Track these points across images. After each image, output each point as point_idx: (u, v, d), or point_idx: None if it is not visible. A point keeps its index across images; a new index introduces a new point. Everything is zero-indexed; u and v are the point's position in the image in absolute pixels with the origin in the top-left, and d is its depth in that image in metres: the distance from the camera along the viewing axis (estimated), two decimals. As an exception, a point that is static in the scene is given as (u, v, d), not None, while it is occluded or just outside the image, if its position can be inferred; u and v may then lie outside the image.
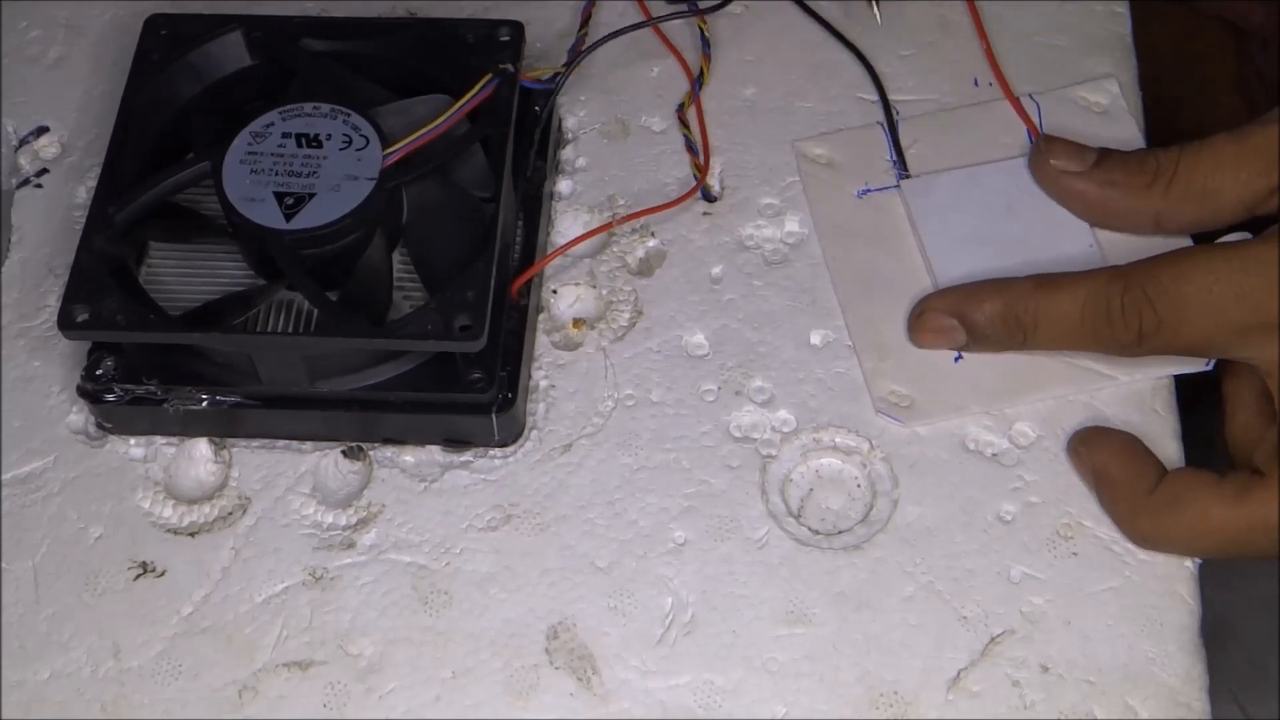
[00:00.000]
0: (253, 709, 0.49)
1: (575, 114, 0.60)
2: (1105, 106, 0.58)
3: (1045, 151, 0.55)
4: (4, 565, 0.51)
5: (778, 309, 0.56)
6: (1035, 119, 0.58)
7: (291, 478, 0.53)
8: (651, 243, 0.57)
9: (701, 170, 0.58)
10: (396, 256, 0.54)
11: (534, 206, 0.56)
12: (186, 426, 0.53)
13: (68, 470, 0.53)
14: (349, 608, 0.50)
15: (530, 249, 0.56)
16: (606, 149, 0.60)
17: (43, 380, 0.55)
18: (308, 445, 0.53)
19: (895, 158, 0.58)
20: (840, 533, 0.52)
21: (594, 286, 0.56)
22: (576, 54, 0.60)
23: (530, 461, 0.53)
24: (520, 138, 0.56)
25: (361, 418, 0.53)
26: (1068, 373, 0.53)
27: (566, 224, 0.58)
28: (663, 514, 0.52)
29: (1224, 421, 0.52)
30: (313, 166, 0.52)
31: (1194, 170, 0.52)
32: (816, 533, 0.51)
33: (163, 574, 0.51)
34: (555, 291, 0.56)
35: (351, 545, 0.51)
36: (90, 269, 0.51)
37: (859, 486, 0.52)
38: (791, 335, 0.55)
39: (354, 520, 0.52)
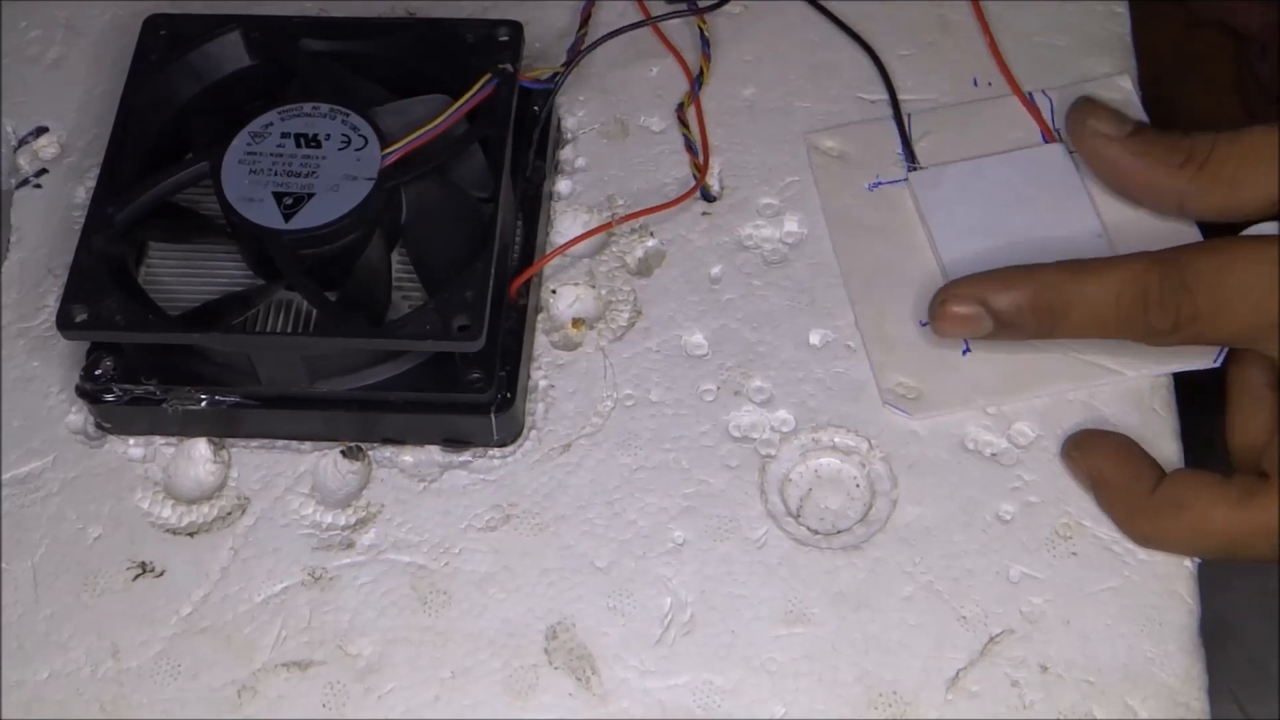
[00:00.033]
0: (252, 709, 0.49)
1: (574, 114, 0.60)
2: (1118, 103, 0.58)
3: (1084, 111, 0.55)
4: (3, 565, 0.51)
5: (777, 309, 0.56)
6: (1047, 115, 0.58)
7: (290, 478, 0.53)
8: (651, 243, 0.57)
9: (701, 170, 0.58)
10: (395, 256, 0.54)
11: (533, 206, 0.56)
12: (185, 426, 0.53)
13: (67, 470, 0.53)
14: (348, 608, 0.50)
15: (529, 249, 0.56)
16: (606, 149, 0.60)
17: (42, 380, 0.55)
18: (307, 445, 0.53)
19: (904, 150, 0.58)
20: (839, 532, 0.51)
21: (593, 286, 0.56)
22: (576, 54, 0.60)
23: (529, 461, 0.53)
24: (519, 138, 0.56)
25: (360, 418, 0.53)
26: (1074, 367, 0.53)
27: (566, 224, 0.58)
28: (662, 514, 0.52)
29: (1226, 420, 0.51)
30: (312, 166, 0.52)
31: (1227, 158, 0.52)
32: (815, 532, 0.51)
33: (162, 574, 0.51)
34: (554, 291, 0.56)
35: (350, 545, 0.51)
36: (89, 269, 0.51)
37: (858, 486, 0.52)
38: (791, 335, 0.55)
39: (353, 520, 0.52)
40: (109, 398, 0.52)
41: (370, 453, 0.53)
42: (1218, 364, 0.52)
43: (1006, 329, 0.52)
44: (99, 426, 0.54)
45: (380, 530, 0.52)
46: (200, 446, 0.53)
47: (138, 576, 0.51)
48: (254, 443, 0.53)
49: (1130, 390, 0.53)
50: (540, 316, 0.56)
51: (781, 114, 0.60)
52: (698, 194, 0.58)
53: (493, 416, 0.52)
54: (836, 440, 0.53)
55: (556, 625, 0.50)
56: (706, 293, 0.56)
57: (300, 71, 0.55)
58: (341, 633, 0.50)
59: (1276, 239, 0.49)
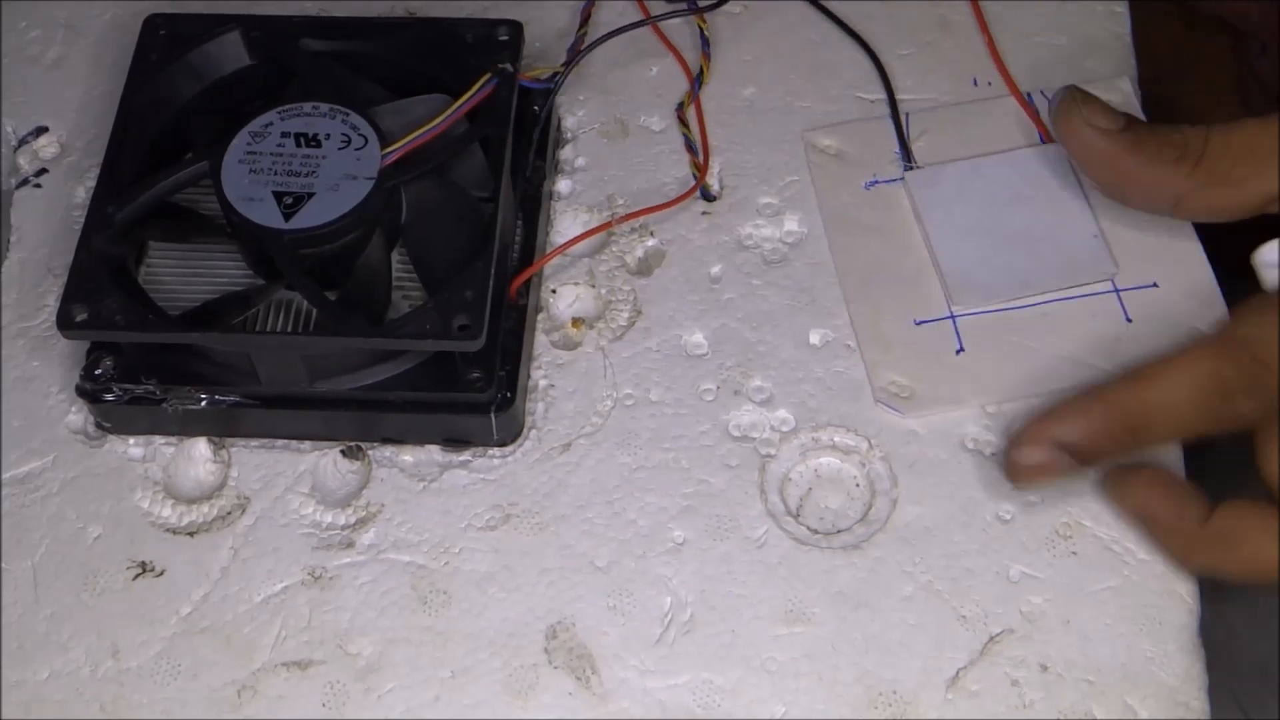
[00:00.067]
0: (252, 709, 0.49)
1: (574, 113, 0.60)
2: (1117, 105, 0.58)
3: (1074, 102, 0.53)
4: (3, 565, 0.51)
5: (777, 308, 0.56)
6: (1046, 116, 0.58)
7: (290, 477, 0.53)
8: (650, 242, 0.57)
9: (701, 170, 0.58)
10: (395, 256, 0.54)
11: (533, 206, 0.56)
12: (185, 426, 0.53)
13: (67, 470, 0.53)
14: (348, 607, 0.50)
15: (529, 248, 0.56)
16: (605, 148, 0.60)
17: (42, 380, 0.55)
18: (307, 445, 0.53)
19: (901, 150, 0.58)
20: (839, 532, 0.51)
21: (593, 286, 0.56)
22: (575, 53, 0.60)
23: (529, 461, 0.53)
24: (519, 137, 0.56)
25: (360, 417, 0.53)
26: (1068, 369, 0.53)
27: (565, 223, 0.58)
28: (661, 513, 0.52)
29: (1258, 452, 0.48)
30: (312, 166, 0.52)
31: (1223, 153, 0.50)
32: (815, 532, 0.51)
33: (162, 574, 0.51)
34: (554, 291, 0.56)
35: (350, 545, 0.51)
36: (89, 269, 0.51)
37: (858, 486, 0.52)
38: (790, 334, 0.55)
39: (353, 520, 0.52)
40: (109, 397, 0.52)
41: (370, 452, 0.53)
42: None
43: (1090, 463, 0.49)
44: (99, 426, 0.54)
45: (380, 530, 0.52)
46: (200, 446, 0.53)
47: (138, 576, 0.51)
48: (254, 442, 0.53)
49: (1130, 390, 0.53)
50: (540, 316, 0.56)
51: (781, 113, 0.60)
52: (698, 194, 0.58)
53: (493, 416, 0.52)
54: (836, 440, 0.53)
55: (556, 625, 0.50)
56: (706, 292, 0.56)
57: (300, 71, 0.55)
58: (341, 632, 0.50)
59: None
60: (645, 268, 0.57)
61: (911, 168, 0.58)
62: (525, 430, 0.53)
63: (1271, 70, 0.66)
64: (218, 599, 0.51)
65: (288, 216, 0.51)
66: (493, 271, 0.50)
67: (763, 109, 0.60)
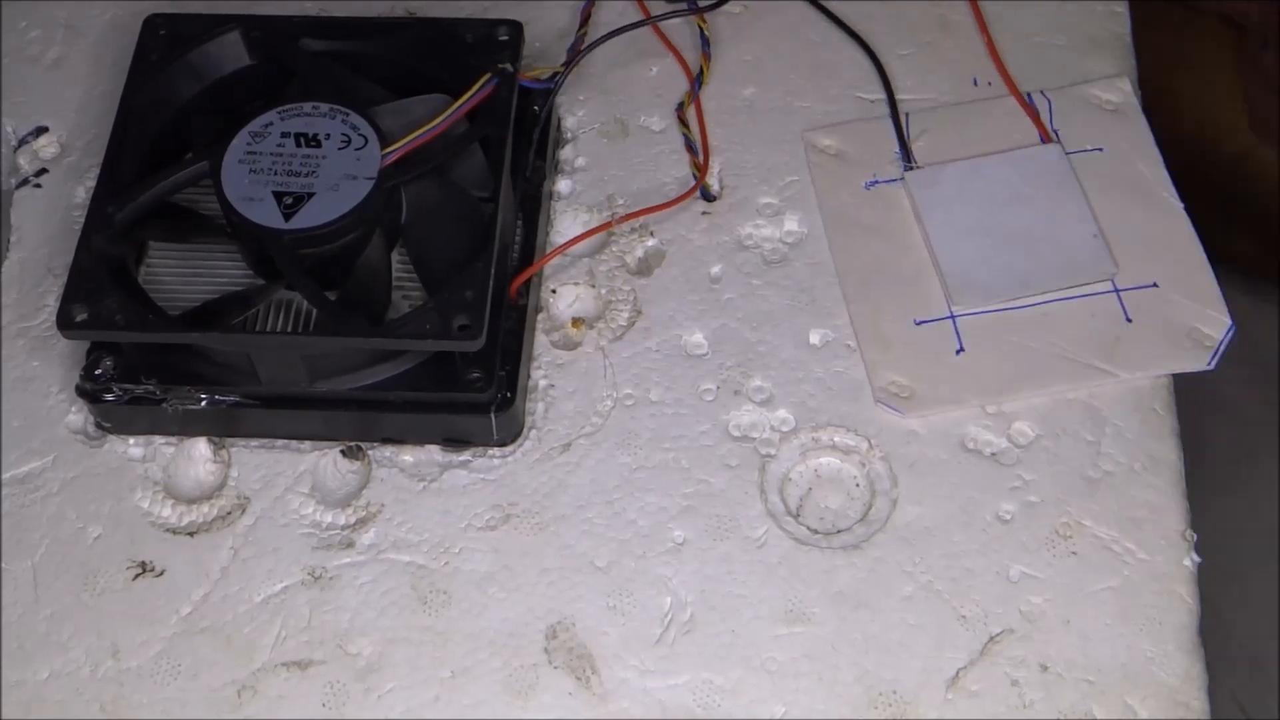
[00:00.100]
0: (252, 709, 0.49)
1: (574, 113, 0.60)
2: (1117, 104, 0.59)
3: None
4: (3, 565, 0.51)
5: (777, 308, 0.56)
6: (1046, 116, 0.58)
7: (290, 477, 0.53)
8: (650, 242, 0.57)
9: (701, 170, 0.58)
10: (395, 256, 0.54)
11: (533, 206, 0.56)
12: (185, 426, 0.53)
13: (67, 470, 0.53)
14: (348, 607, 0.50)
15: (529, 249, 0.56)
16: (605, 148, 0.60)
17: (42, 380, 0.55)
18: (307, 445, 0.53)
19: (901, 150, 0.58)
20: (839, 532, 0.51)
21: (593, 286, 0.56)
22: (576, 53, 0.60)
23: (529, 461, 0.53)
24: (519, 137, 0.56)
25: (360, 417, 0.53)
26: (1067, 369, 0.53)
27: (565, 223, 0.58)
28: (661, 513, 0.52)
29: None
30: (312, 166, 0.52)
31: None
32: (815, 532, 0.51)
33: (162, 574, 0.51)
34: (554, 291, 0.56)
35: (350, 545, 0.51)
36: (89, 269, 0.51)
37: (858, 486, 0.52)
38: (790, 334, 0.55)
39: (353, 520, 0.52)
40: (109, 397, 0.52)
41: (370, 452, 0.53)
42: (1212, 366, 0.52)
43: None
44: (99, 426, 0.54)
45: (380, 530, 0.52)
46: (200, 446, 0.53)
47: (138, 576, 0.51)
48: (254, 442, 0.53)
49: (1130, 390, 0.53)
50: (540, 316, 0.56)
51: (781, 114, 0.60)
52: (698, 194, 0.58)
53: (493, 416, 0.52)
54: (836, 440, 0.53)
55: (556, 625, 0.50)
56: (706, 292, 0.56)
57: (300, 71, 0.55)
58: (341, 632, 0.50)
59: None
60: (645, 268, 0.57)
61: (911, 168, 0.58)
62: (525, 430, 0.53)
63: (1273, 63, 0.66)
64: (218, 599, 0.51)
65: (288, 216, 0.51)
66: (493, 271, 0.50)
67: (763, 109, 0.60)
